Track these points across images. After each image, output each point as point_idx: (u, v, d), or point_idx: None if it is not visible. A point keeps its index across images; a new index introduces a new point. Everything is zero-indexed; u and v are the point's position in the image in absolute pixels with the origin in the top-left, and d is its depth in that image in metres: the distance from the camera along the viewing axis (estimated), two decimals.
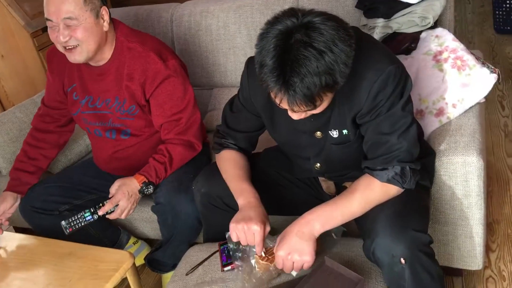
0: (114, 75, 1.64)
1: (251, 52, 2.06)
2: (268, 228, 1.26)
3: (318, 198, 1.46)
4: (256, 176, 1.42)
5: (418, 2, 1.66)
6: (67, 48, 1.53)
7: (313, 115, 1.23)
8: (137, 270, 1.54)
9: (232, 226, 1.25)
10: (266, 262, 1.24)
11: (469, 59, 1.56)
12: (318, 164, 1.36)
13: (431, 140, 1.50)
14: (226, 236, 1.32)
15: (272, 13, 2.02)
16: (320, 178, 1.46)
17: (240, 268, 1.29)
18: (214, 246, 1.41)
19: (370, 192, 1.19)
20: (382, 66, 1.15)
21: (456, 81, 1.54)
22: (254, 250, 1.28)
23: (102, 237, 1.88)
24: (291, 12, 1.06)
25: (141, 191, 1.58)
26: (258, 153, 1.55)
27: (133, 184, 1.57)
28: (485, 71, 1.52)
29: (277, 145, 1.56)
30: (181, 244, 1.70)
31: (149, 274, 1.96)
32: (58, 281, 1.44)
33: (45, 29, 3.00)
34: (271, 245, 1.29)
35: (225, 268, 1.30)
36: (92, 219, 1.55)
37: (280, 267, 1.20)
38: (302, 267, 1.17)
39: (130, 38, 1.64)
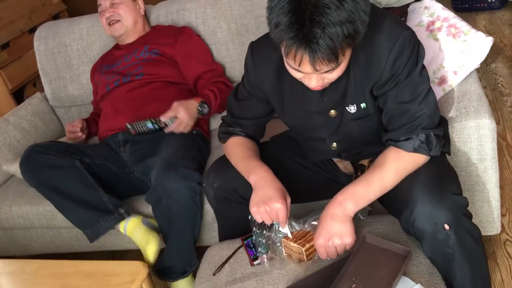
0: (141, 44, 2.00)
1: (234, 46, 2.05)
2: (289, 200, 1.21)
3: (335, 180, 1.42)
4: (268, 164, 1.35)
5: None
6: (111, 23, 1.97)
7: (327, 92, 1.19)
8: (151, 280, 1.45)
9: (253, 210, 1.20)
10: (297, 246, 1.18)
11: (463, 25, 1.56)
12: (335, 144, 1.31)
13: (439, 109, 1.49)
14: (249, 218, 1.25)
15: (251, 4, 2.01)
16: (335, 159, 1.41)
17: (269, 261, 1.22)
18: (236, 243, 1.33)
19: (400, 163, 1.15)
20: (396, 33, 1.12)
21: (454, 48, 1.54)
22: (280, 234, 1.23)
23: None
24: None
25: (198, 108, 1.77)
26: (265, 142, 1.49)
27: (191, 103, 1.78)
28: (480, 35, 1.53)
29: (284, 132, 1.51)
30: (183, 237, 1.63)
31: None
32: None
33: (4, 46, 2.87)
34: (298, 228, 1.23)
35: (255, 262, 1.23)
36: (152, 127, 1.75)
37: (324, 257, 1.14)
38: (345, 249, 1.12)
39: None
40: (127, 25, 1.98)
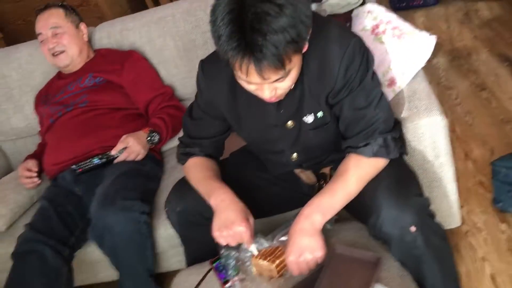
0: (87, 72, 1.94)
1: (182, 63, 2.01)
2: (252, 220, 1.19)
3: (298, 191, 1.41)
4: (229, 182, 1.33)
5: None
6: (55, 54, 1.89)
7: (283, 104, 1.18)
8: None
9: (216, 235, 1.18)
10: (267, 262, 1.16)
11: (406, 26, 1.60)
12: (295, 155, 1.31)
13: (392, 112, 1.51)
14: (221, 252, 1.24)
15: (196, 20, 1.98)
16: (297, 170, 1.41)
17: (240, 283, 1.19)
18: (204, 267, 1.30)
19: (361, 170, 1.16)
20: (346, 40, 1.13)
21: (399, 50, 1.57)
22: (248, 254, 1.21)
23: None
24: None
25: (148, 138, 1.75)
26: (225, 159, 1.47)
27: (140, 133, 1.76)
28: (424, 34, 1.57)
29: (243, 147, 1.50)
30: (135, 270, 1.57)
31: None
32: None
33: None
34: (266, 245, 1.22)
35: (226, 286, 1.20)
36: (99, 162, 1.72)
37: (296, 273, 1.13)
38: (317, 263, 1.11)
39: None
40: (72, 55, 1.92)
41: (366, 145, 1.16)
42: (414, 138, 1.43)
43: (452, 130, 2.18)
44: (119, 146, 1.71)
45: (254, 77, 1.01)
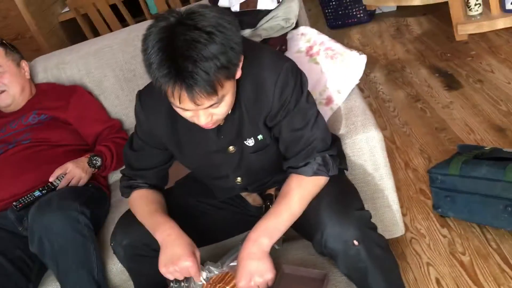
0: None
1: (123, 93, 2.01)
2: (198, 254, 1.20)
3: (246, 213, 1.43)
4: (175, 211, 1.33)
5: (277, 7, 1.74)
6: None
7: (223, 129, 1.20)
8: None
9: (163, 270, 1.18)
10: None
11: (338, 47, 1.67)
12: (239, 178, 1.32)
13: (330, 128, 1.55)
14: (171, 285, 1.23)
15: (134, 49, 1.98)
16: (243, 194, 1.43)
17: None
18: None
19: (303, 189, 1.19)
20: (278, 65, 1.17)
21: (333, 69, 1.63)
22: (199, 285, 1.21)
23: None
24: (172, 11, 1.02)
25: (89, 162, 1.74)
26: (171, 187, 1.46)
27: (79, 159, 1.74)
28: (354, 54, 1.64)
29: (188, 174, 1.50)
30: (79, 276, 1.49)
31: None
32: None
33: None
34: (216, 272, 1.22)
35: None
36: (40, 194, 1.65)
37: None
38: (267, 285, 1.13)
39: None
40: (14, 94, 1.87)
41: (306, 164, 1.20)
42: (354, 153, 1.49)
43: (392, 141, 2.27)
44: (57, 172, 1.68)
45: (188, 103, 1.02)
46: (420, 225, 1.76)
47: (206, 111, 1.07)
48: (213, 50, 0.97)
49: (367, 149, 1.48)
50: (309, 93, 1.23)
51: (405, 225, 1.77)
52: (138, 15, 3.45)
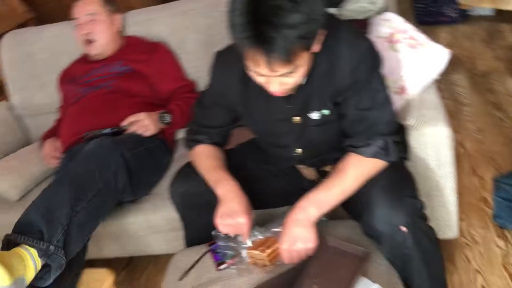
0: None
1: (202, 56, 2.07)
2: (253, 216, 1.24)
3: (299, 186, 1.44)
4: (233, 171, 1.38)
5: None
6: (87, 41, 1.95)
7: (291, 99, 1.23)
8: (117, 285, 1.45)
9: (218, 222, 1.23)
10: (259, 252, 1.20)
11: (421, 37, 1.63)
12: (299, 150, 1.35)
13: (398, 116, 1.54)
14: (213, 234, 1.29)
15: (219, 15, 2.04)
16: (299, 166, 1.45)
17: (235, 266, 1.24)
18: (202, 249, 1.35)
19: (359, 169, 1.19)
20: (356, 43, 1.17)
21: (413, 59, 1.60)
22: (244, 245, 1.25)
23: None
24: None
25: (160, 117, 1.83)
26: (231, 149, 1.51)
27: (153, 113, 1.83)
28: (438, 46, 1.60)
29: (250, 139, 1.54)
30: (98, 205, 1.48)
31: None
32: None
33: None
34: (260, 236, 1.26)
35: (220, 267, 1.25)
36: (109, 132, 1.76)
37: (287, 261, 1.17)
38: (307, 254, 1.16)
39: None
40: (103, 44, 1.98)
41: (366, 145, 1.20)
42: (418, 146, 1.46)
43: (462, 146, 2.19)
44: (130, 118, 1.78)
45: (263, 68, 1.05)
46: (475, 232, 1.71)
47: (278, 79, 1.10)
48: (296, 19, 0.98)
49: (433, 144, 1.45)
50: (382, 76, 1.23)
51: (461, 230, 1.73)
52: None
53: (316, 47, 1.10)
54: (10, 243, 1.29)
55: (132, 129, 1.78)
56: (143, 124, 1.79)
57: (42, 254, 1.28)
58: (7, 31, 2.35)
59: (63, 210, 1.36)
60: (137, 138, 1.75)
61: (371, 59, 1.18)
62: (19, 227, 1.35)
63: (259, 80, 1.13)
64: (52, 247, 1.29)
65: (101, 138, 1.69)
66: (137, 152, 1.68)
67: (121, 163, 1.56)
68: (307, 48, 1.06)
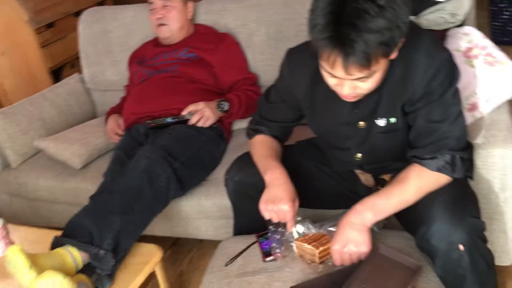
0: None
1: (269, 51, 2.09)
2: (297, 204, 1.24)
3: (354, 191, 1.44)
4: (289, 167, 1.38)
5: (447, 0, 1.68)
6: (159, 25, 2.03)
7: (359, 103, 1.21)
8: (163, 264, 1.49)
9: (262, 207, 1.24)
10: (311, 247, 1.20)
11: (500, 55, 1.58)
12: (360, 155, 1.33)
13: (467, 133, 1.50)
14: (269, 228, 1.30)
15: (292, 12, 2.05)
16: (357, 171, 1.44)
17: (282, 259, 1.25)
18: (250, 238, 1.37)
19: (422, 181, 1.17)
20: (435, 53, 1.14)
21: (488, 77, 1.54)
22: (293, 238, 1.26)
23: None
24: None
25: (218, 105, 1.87)
26: (291, 145, 1.52)
27: (211, 102, 1.87)
28: None
29: (310, 138, 1.54)
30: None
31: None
32: None
33: (49, 25, 2.96)
34: (313, 231, 1.26)
35: (267, 258, 1.26)
36: (171, 121, 1.85)
37: (338, 263, 1.17)
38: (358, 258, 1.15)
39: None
40: (174, 30, 2.05)
41: (432, 158, 1.17)
42: (484, 166, 1.41)
43: None
44: (190, 107, 1.84)
45: (339, 70, 1.04)
46: None
47: (352, 83, 1.09)
48: (379, 24, 0.97)
49: (500, 166, 1.39)
50: (457, 90, 1.19)
51: None
52: None
53: (394, 54, 1.08)
54: (57, 244, 1.36)
55: (193, 121, 1.83)
56: (203, 113, 1.83)
57: (93, 258, 1.33)
58: (86, 8, 2.45)
59: (114, 219, 1.42)
60: (190, 139, 1.78)
61: (450, 71, 1.15)
62: (69, 230, 1.41)
63: (331, 81, 1.12)
64: (102, 252, 1.34)
65: (152, 148, 1.69)
66: (188, 158, 1.72)
67: (171, 174, 1.61)
68: (387, 54, 1.05)
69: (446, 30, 1.70)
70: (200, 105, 1.84)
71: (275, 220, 1.25)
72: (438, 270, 1.14)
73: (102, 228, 1.38)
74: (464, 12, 1.66)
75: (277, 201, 1.22)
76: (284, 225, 1.27)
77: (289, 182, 1.27)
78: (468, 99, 1.56)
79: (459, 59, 1.61)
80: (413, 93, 1.16)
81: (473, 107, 1.55)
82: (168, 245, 2.05)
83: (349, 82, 1.09)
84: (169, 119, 1.86)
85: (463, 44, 1.63)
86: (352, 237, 1.14)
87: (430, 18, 1.69)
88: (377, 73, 1.08)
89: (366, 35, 0.97)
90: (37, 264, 1.22)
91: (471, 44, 1.62)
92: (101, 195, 1.54)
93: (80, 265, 1.32)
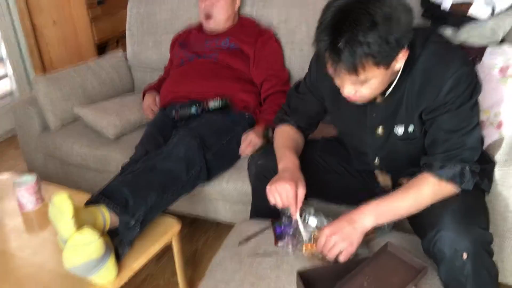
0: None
1: (308, 49, 2.10)
2: (301, 190, 1.25)
3: (371, 189, 1.47)
4: (313, 161, 1.44)
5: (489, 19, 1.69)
6: (206, 17, 2.10)
7: (375, 107, 1.25)
8: (181, 239, 1.56)
9: (267, 189, 1.27)
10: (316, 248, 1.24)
11: None
12: (377, 160, 1.38)
13: (490, 150, 1.51)
14: (280, 210, 1.34)
15: None
16: (376, 171, 1.47)
17: (292, 246, 1.29)
18: (265, 222, 1.42)
19: (430, 190, 1.19)
20: (457, 65, 1.16)
21: None
22: (304, 236, 1.29)
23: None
24: None
25: (265, 134, 1.85)
26: (317, 140, 1.57)
27: (258, 130, 1.89)
28: None
29: (335, 136, 1.58)
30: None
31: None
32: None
33: (100, 2, 3.09)
34: (325, 222, 1.30)
35: (279, 243, 1.31)
36: (195, 113, 1.90)
37: (319, 247, 1.20)
38: (339, 255, 1.18)
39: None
40: (219, 22, 2.12)
41: (443, 167, 1.19)
42: (503, 183, 1.42)
43: None
44: (243, 140, 1.86)
45: (332, 72, 1.12)
46: None
47: (350, 85, 1.15)
48: (368, 38, 1.02)
49: None
50: (476, 103, 1.21)
51: None
52: None
53: (395, 65, 1.12)
54: (92, 202, 1.42)
55: (243, 146, 1.85)
56: (254, 143, 1.85)
57: (122, 225, 1.39)
58: None
59: (151, 194, 1.50)
60: (224, 129, 1.84)
61: (469, 84, 1.17)
62: (107, 192, 1.46)
63: (335, 81, 1.18)
64: (132, 221, 1.41)
65: (188, 133, 1.74)
66: (219, 149, 1.79)
67: (203, 164, 1.70)
68: (379, 65, 1.08)
69: (485, 47, 1.71)
70: (251, 137, 1.86)
71: (279, 204, 1.26)
72: (441, 275, 1.17)
73: (138, 200, 1.46)
74: (504, 31, 1.67)
75: (279, 181, 1.25)
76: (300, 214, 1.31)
77: (299, 171, 1.30)
78: (497, 116, 1.57)
79: (493, 76, 1.62)
80: (431, 102, 1.19)
81: (500, 124, 1.56)
82: (186, 224, 2.12)
83: (348, 83, 1.15)
84: (193, 110, 1.92)
85: (499, 61, 1.63)
86: (346, 230, 1.18)
87: (470, 33, 1.70)
88: (372, 80, 1.12)
89: (353, 46, 1.03)
90: (76, 216, 1.26)
91: (508, 63, 1.62)
92: (142, 171, 1.59)
93: (107, 227, 1.38)
